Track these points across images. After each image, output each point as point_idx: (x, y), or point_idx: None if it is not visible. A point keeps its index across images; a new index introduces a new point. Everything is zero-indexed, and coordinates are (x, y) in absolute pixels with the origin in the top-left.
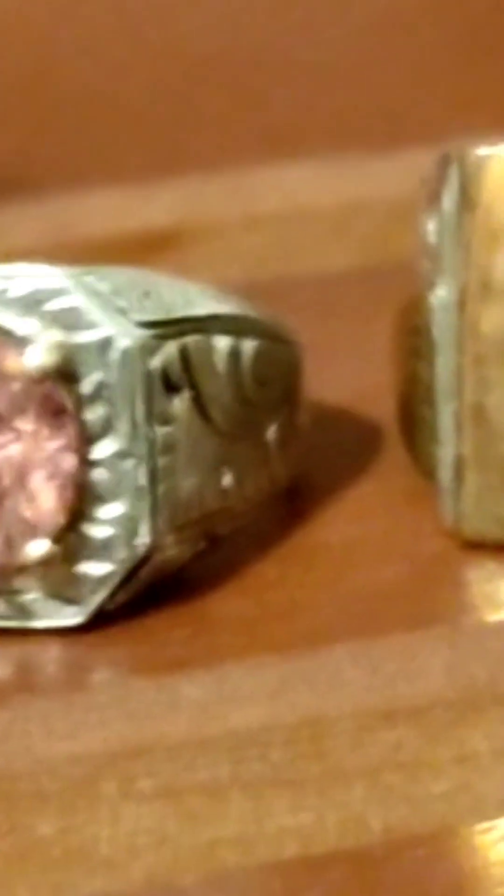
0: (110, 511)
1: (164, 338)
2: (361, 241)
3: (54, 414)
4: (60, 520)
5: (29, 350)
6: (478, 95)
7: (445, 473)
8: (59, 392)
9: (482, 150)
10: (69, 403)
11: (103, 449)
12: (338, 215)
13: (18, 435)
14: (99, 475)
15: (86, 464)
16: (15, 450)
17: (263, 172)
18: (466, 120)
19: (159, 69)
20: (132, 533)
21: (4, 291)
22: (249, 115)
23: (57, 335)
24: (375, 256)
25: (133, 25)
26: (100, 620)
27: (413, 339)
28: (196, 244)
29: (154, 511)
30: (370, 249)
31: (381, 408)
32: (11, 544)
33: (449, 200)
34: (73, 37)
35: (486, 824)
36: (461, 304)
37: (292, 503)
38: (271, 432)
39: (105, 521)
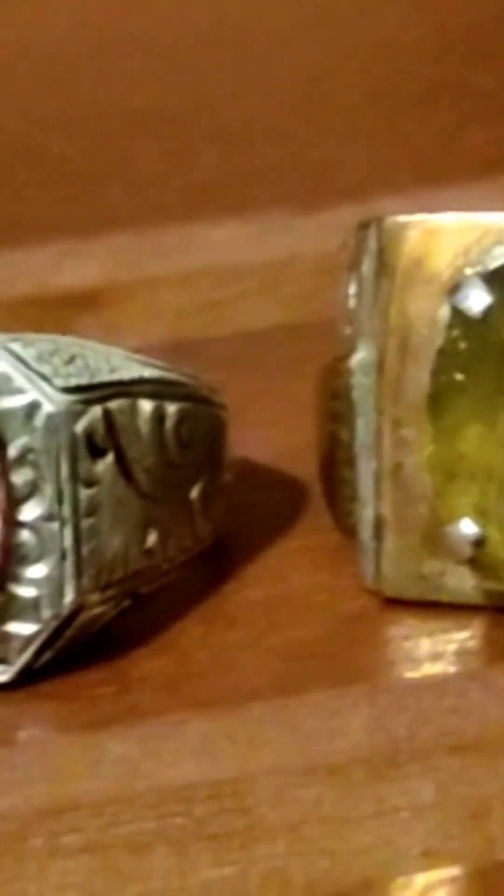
0: (36, 572)
1: (88, 402)
2: (288, 299)
3: None
4: None
5: None
6: (403, 154)
7: (365, 533)
8: None
9: (399, 217)
10: None
11: (29, 511)
12: (265, 273)
13: None
14: (25, 537)
15: (13, 525)
16: None
17: (190, 230)
18: (392, 178)
19: (84, 127)
20: (58, 593)
21: None
22: (176, 173)
23: None
24: (302, 314)
25: (61, 82)
26: (26, 679)
27: (333, 403)
28: (124, 302)
29: (79, 571)
30: (297, 307)
31: (305, 466)
32: None
33: (367, 266)
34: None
35: (405, 878)
36: (380, 367)
37: (216, 562)
38: (195, 492)
39: (31, 581)
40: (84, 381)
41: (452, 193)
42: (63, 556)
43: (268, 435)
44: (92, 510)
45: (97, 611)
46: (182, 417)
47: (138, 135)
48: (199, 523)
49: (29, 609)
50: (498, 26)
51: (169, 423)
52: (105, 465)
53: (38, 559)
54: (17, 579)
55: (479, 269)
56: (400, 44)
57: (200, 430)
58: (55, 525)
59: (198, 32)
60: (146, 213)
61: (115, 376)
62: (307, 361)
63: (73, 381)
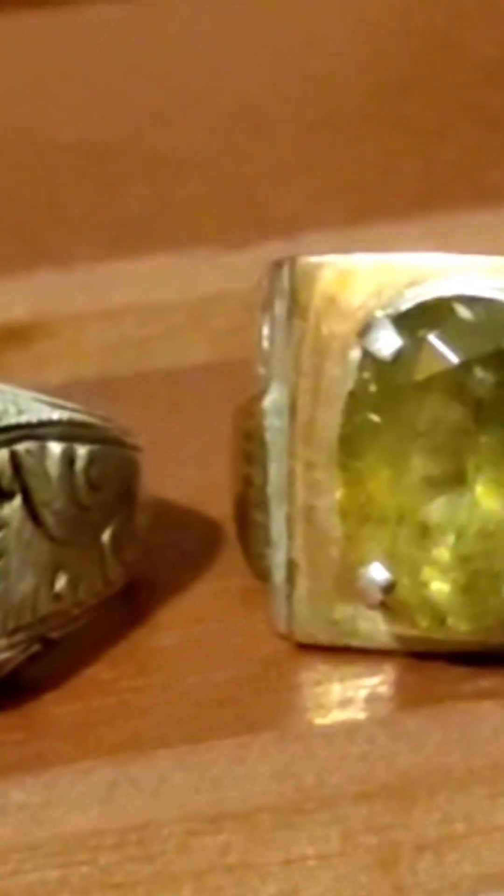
0: None
1: None
2: (215, 335)
3: None
4: None
5: None
6: (333, 190)
7: (278, 576)
8: None
9: (312, 258)
10: None
11: None
12: (192, 309)
13: None
14: None
15: None
16: None
17: (118, 265)
18: (321, 214)
19: (10, 161)
20: None
21: None
22: (104, 208)
23: None
24: (230, 351)
25: None
26: None
27: (246, 444)
28: (50, 338)
29: None
30: (224, 343)
31: (221, 507)
32: None
33: (280, 306)
34: None
35: None
36: (292, 408)
37: (128, 605)
38: (107, 535)
39: None
40: None
41: (383, 230)
42: None
43: (186, 475)
44: None
45: (4, 656)
46: (92, 459)
47: (64, 168)
48: (110, 566)
49: None
50: (431, 62)
51: (79, 466)
52: (12, 508)
53: None
54: None
55: (390, 310)
56: (332, 78)
57: (112, 472)
58: None
59: (126, 64)
60: (72, 248)
61: (23, 418)
62: (232, 400)
63: None
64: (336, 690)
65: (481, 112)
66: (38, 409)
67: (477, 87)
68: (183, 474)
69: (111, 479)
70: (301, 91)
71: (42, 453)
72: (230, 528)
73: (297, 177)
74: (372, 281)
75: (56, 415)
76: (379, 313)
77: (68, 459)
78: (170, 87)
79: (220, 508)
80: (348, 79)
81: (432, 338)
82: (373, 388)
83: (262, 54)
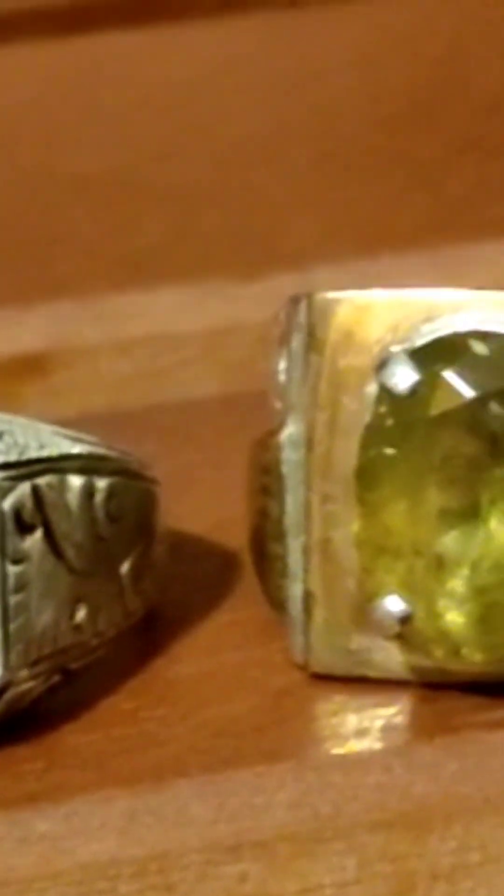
0: None
1: (16, 479)
2: (228, 367)
3: None
4: None
5: None
6: (343, 222)
7: (294, 607)
8: None
9: (329, 293)
10: None
11: None
12: (205, 341)
13: None
14: None
15: None
16: None
17: (131, 297)
18: (332, 247)
19: (26, 193)
20: None
21: None
22: (116, 240)
23: None
24: (242, 383)
25: None
26: None
27: (263, 477)
28: (63, 370)
29: (6, 647)
30: (237, 375)
31: (238, 538)
32: None
33: (297, 341)
34: None
35: None
36: (309, 442)
37: (147, 636)
38: (126, 567)
39: None
40: (12, 457)
41: (391, 262)
42: None
43: (201, 507)
44: (20, 586)
45: (25, 686)
46: (112, 492)
47: (77, 200)
48: (129, 598)
49: None
50: (436, 96)
51: (98, 499)
52: (33, 541)
53: None
54: None
55: (406, 345)
56: (338, 112)
57: (130, 504)
58: None
59: (138, 97)
60: (85, 279)
61: (44, 452)
62: (246, 431)
63: (1, 459)
64: (352, 721)
65: (485, 144)
66: (59, 443)
67: (480, 119)
68: (198, 506)
69: (130, 511)
70: (308, 125)
71: (63, 487)
72: (246, 560)
73: (305, 209)
74: (388, 316)
75: (76, 448)
76: (395, 348)
77: (88, 492)
78: (180, 119)
79: (236, 540)
80: (354, 112)
81: (448, 373)
82: (389, 422)
83: (270, 89)
